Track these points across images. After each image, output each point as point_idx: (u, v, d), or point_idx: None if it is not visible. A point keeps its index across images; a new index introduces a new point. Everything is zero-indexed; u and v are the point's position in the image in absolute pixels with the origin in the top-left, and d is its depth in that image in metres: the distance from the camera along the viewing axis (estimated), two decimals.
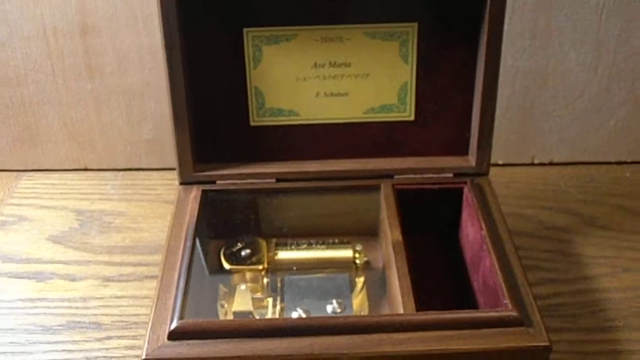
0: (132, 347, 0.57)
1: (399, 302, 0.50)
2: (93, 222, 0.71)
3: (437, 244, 0.64)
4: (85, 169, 0.78)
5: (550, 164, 0.79)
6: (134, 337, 0.58)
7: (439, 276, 0.61)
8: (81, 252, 0.67)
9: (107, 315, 0.60)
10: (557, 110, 0.76)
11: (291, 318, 0.51)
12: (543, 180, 0.77)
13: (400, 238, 0.56)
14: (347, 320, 0.49)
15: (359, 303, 0.57)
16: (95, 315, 0.60)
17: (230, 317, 0.54)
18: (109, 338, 0.58)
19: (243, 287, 0.55)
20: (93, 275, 0.64)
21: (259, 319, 0.52)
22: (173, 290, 0.52)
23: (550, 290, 0.63)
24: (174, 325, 0.48)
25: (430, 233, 0.64)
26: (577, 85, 0.74)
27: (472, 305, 0.57)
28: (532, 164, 0.79)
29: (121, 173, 0.77)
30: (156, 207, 0.72)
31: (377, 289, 0.58)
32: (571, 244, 0.69)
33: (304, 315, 0.54)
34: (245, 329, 0.48)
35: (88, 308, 0.61)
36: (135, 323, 0.59)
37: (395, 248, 0.55)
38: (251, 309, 0.54)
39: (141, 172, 0.77)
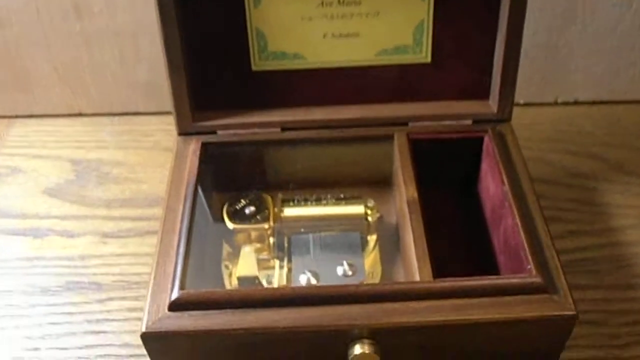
0: (134, 309, 0.55)
1: (415, 268, 0.47)
2: (90, 172, 0.68)
3: (455, 197, 0.61)
4: (80, 114, 0.74)
5: (575, 103, 0.74)
6: (135, 298, 0.56)
7: (457, 234, 0.58)
8: (78, 205, 0.64)
9: (107, 274, 0.58)
10: (584, 47, 0.70)
11: (298, 287, 0.48)
12: (567, 121, 0.72)
13: (415, 195, 0.52)
14: (358, 289, 0.46)
15: (370, 263, 0.54)
16: (95, 274, 0.58)
17: (234, 282, 0.51)
18: (110, 299, 0.56)
19: (247, 248, 0.52)
20: (91, 232, 0.61)
21: (263, 289, 0.49)
22: (173, 255, 0.49)
23: (573, 243, 0.60)
24: (174, 295, 0.46)
25: (447, 185, 0.60)
26: (609, 21, 0.68)
27: (493, 267, 0.54)
28: (555, 104, 0.74)
29: (117, 118, 0.74)
30: (155, 156, 0.69)
31: (391, 248, 0.55)
32: (596, 192, 0.65)
33: (312, 279, 0.51)
34: (250, 299, 0.45)
35: (87, 267, 0.58)
36: (136, 283, 0.57)
37: (411, 207, 0.51)
38: (256, 273, 0.51)
39: (138, 117, 0.73)
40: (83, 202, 0.64)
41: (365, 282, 0.51)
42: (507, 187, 0.52)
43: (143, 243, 0.60)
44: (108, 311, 0.55)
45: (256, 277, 0.51)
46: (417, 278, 0.46)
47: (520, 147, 0.57)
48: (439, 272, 0.46)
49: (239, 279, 0.51)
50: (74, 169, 0.68)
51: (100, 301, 0.55)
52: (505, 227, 0.52)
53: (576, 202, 0.64)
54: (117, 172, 0.67)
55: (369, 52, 0.57)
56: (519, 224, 0.49)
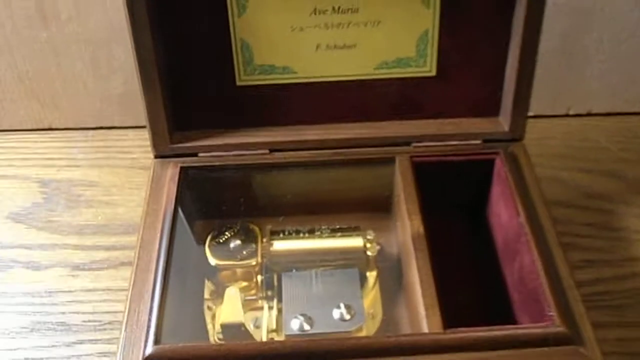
0: (106, 354, 0.50)
1: (423, 317, 0.41)
2: (60, 195, 0.63)
3: (461, 224, 0.55)
4: (50, 129, 0.69)
5: (588, 114, 0.69)
6: (108, 341, 0.51)
7: (465, 266, 0.52)
8: (46, 233, 0.59)
9: (77, 313, 0.53)
10: (599, 55, 0.64)
11: (290, 341, 0.42)
12: (580, 135, 0.67)
13: (421, 230, 0.46)
14: (359, 342, 0.40)
15: (370, 303, 0.48)
16: (64, 313, 0.53)
17: (217, 328, 0.45)
18: (80, 342, 0.51)
19: (232, 290, 0.46)
20: (60, 263, 0.56)
21: (250, 343, 0.43)
22: (147, 300, 0.43)
23: (591, 274, 0.54)
24: (148, 350, 0.40)
25: (453, 210, 0.55)
26: (627, 26, 0.62)
27: (505, 305, 0.48)
28: (567, 115, 0.68)
29: (91, 133, 0.69)
30: (132, 175, 0.64)
31: (391, 283, 0.50)
32: (614, 215, 0.59)
33: (305, 325, 0.45)
34: (234, 355, 0.39)
35: (55, 305, 0.53)
36: (109, 323, 0.52)
37: (416, 243, 0.45)
38: (242, 319, 0.45)
39: (114, 132, 0.69)
40: (51, 228, 0.59)
41: (364, 327, 0.45)
42: (522, 219, 0.47)
43: (117, 276, 0.55)
44: (77, 356, 0.50)
45: (242, 325, 0.45)
46: (425, 328, 0.41)
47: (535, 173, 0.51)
48: (448, 316, 0.41)
49: (222, 326, 0.45)
50: (42, 190, 0.63)
51: (69, 344, 0.51)
52: (522, 264, 0.47)
53: (593, 227, 0.59)
54: (90, 194, 0.63)
55: (368, 65, 0.52)
56: (538, 264, 0.44)
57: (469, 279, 0.51)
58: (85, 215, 0.60)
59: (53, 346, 0.50)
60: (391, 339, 0.40)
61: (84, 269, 0.56)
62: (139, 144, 0.66)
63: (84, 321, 0.52)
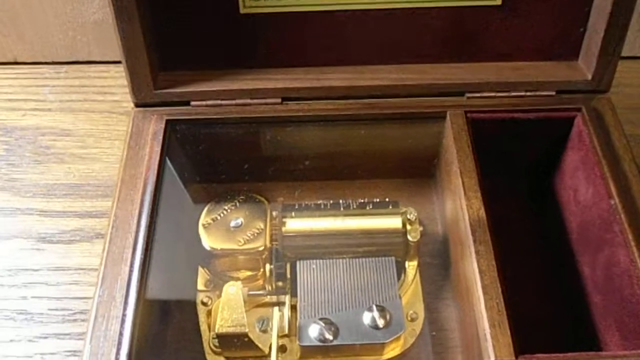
0: (75, 353, 0.43)
1: (486, 335, 0.31)
2: (24, 146, 0.54)
3: (523, 198, 0.46)
4: (15, 63, 0.60)
5: None
6: (79, 337, 0.43)
7: (528, 253, 0.43)
8: (6, 194, 0.51)
9: (41, 298, 0.45)
10: None
11: None
12: None
13: (482, 213, 0.36)
14: None
15: (409, 301, 0.39)
16: (25, 298, 0.46)
17: (213, 333, 0.36)
18: (44, 337, 0.44)
19: (233, 288, 0.36)
20: (22, 233, 0.49)
21: None
22: (120, 303, 0.35)
23: None
24: None
25: (514, 180, 0.45)
26: None
27: (583, 311, 0.38)
28: None
29: (64, 68, 0.60)
30: (113, 122, 0.56)
31: (437, 276, 0.42)
32: None
33: (327, 334, 0.36)
34: None
35: (14, 287, 0.46)
36: (81, 312, 0.45)
37: (476, 233, 0.36)
38: (245, 329, 0.35)
39: (91, 67, 0.60)
40: (13, 189, 0.52)
41: (402, 337, 0.36)
42: (616, 201, 0.36)
43: (92, 251, 0.47)
44: (41, 355, 0.43)
45: (245, 335, 0.35)
46: (491, 353, 0.31)
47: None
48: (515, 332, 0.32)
49: (218, 337, 0.35)
50: (2, 140, 0.55)
51: (32, 340, 0.44)
52: (610, 260, 0.36)
53: None
54: (61, 146, 0.54)
55: None
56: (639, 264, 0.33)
57: (532, 271, 0.42)
58: (54, 173, 0.52)
59: (11, 341, 0.43)
60: None
61: (51, 242, 0.49)
62: (122, 83, 0.56)
63: (50, 309, 0.45)
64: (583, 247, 0.40)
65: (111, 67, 0.59)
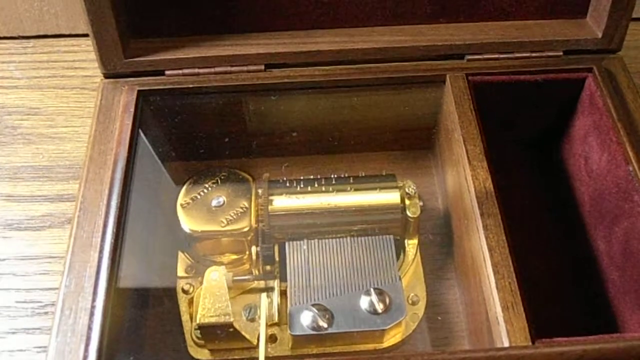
0: (46, 349, 0.38)
1: (498, 318, 0.28)
2: None
3: (529, 166, 0.42)
4: None
5: None
6: (49, 331, 0.38)
7: (537, 227, 0.39)
8: None
9: (8, 290, 0.43)
10: None
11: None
12: None
13: (489, 184, 0.33)
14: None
15: (410, 283, 0.36)
16: None
17: (194, 323, 0.33)
18: (12, 332, 0.41)
19: (215, 274, 0.33)
20: None
21: None
22: (88, 294, 0.32)
23: None
24: None
25: (518, 148, 0.42)
26: None
27: (599, 288, 0.35)
28: None
29: (31, 43, 0.57)
30: (84, 99, 0.52)
31: (438, 254, 0.38)
32: None
33: (321, 321, 0.33)
34: None
35: None
36: (52, 304, 0.42)
37: (484, 205, 0.32)
38: (230, 319, 0.31)
39: (60, 41, 0.56)
40: None
41: (403, 322, 0.33)
42: (635, 169, 0.33)
43: (63, 237, 0.44)
44: (10, 352, 0.40)
45: (230, 325, 0.31)
46: (505, 339, 0.28)
47: None
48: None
49: (200, 328, 0.32)
50: None
51: None
52: (630, 232, 0.33)
53: None
54: (28, 126, 0.51)
55: None
56: None
57: (541, 248, 0.38)
58: (21, 155, 0.50)
59: None
60: (456, 356, 0.27)
61: (18, 229, 0.46)
62: (93, 57, 0.50)
63: (18, 302, 0.42)
64: (597, 220, 0.37)
65: (81, 40, 0.56)
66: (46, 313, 0.42)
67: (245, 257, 0.37)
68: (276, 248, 0.37)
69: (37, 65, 0.55)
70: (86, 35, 0.55)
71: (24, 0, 0.55)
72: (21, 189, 0.47)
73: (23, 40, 0.56)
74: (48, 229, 0.45)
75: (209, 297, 0.32)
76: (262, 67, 0.40)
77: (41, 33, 0.56)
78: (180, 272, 0.37)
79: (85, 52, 0.56)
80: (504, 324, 0.29)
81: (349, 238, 0.36)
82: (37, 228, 0.45)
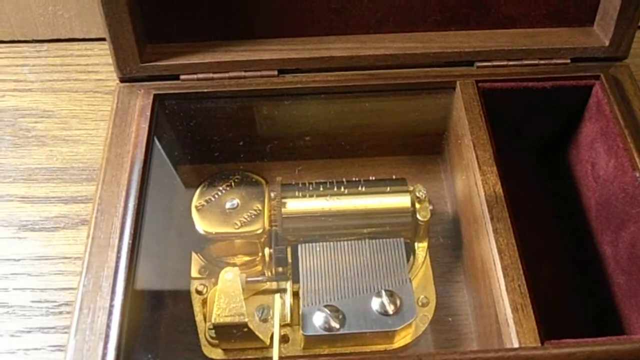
0: (61, 348, 0.40)
1: (508, 320, 0.29)
2: (4, 129, 0.52)
3: (535, 172, 0.43)
4: None
5: None
6: (64, 330, 0.41)
7: (545, 231, 0.40)
8: None
9: (23, 290, 0.43)
10: None
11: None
12: None
13: (499, 188, 0.34)
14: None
15: (420, 285, 0.36)
16: (6, 290, 0.43)
17: (209, 323, 0.34)
18: (27, 331, 0.41)
19: (229, 275, 0.33)
20: (3, 221, 0.47)
21: None
22: (107, 293, 0.33)
23: None
24: None
25: (525, 154, 0.43)
26: None
27: (605, 292, 0.36)
28: None
29: (45, 46, 0.57)
30: (97, 102, 0.53)
31: (447, 257, 0.39)
32: None
33: (333, 322, 0.34)
34: None
35: None
36: (67, 304, 0.42)
37: (493, 209, 0.33)
38: (244, 319, 0.32)
39: (74, 45, 0.57)
40: None
41: (414, 323, 0.34)
42: None
43: (77, 238, 0.45)
44: (25, 350, 0.40)
45: (244, 325, 0.32)
46: (515, 340, 0.29)
47: None
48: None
49: (215, 328, 0.33)
50: None
51: (14, 334, 0.41)
52: (636, 237, 0.34)
53: None
54: (42, 128, 0.52)
55: None
56: None
57: (549, 252, 0.39)
58: (35, 157, 0.50)
59: None
60: (468, 357, 0.28)
61: (33, 229, 0.46)
62: (106, 61, 0.55)
63: (33, 301, 0.43)
64: (604, 224, 0.37)
65: (95, 44, 0.57)
66: (61, 312, 0.43)
67: (258, 258, 0.38)
68: (289, 250, 0.38)
69: (50, 68, 0.56)
70: (99, 40, 0.56)
71: (38, 5, 0.55)
72: (35, 191, 0.48)
73: (37, 44, 0.57)
74: (62, 230, 0.46)
75: (223, 297, 0.33)
76: (276, 72, 0.41)
77: (55, 37, 0.57)
78: (194, 273, 0.38)
79: (98, 56, 0.57)
80: (514, 325, 0.29)
81: (360, 240, 0.37)
82: (51, 229, 0.46)
